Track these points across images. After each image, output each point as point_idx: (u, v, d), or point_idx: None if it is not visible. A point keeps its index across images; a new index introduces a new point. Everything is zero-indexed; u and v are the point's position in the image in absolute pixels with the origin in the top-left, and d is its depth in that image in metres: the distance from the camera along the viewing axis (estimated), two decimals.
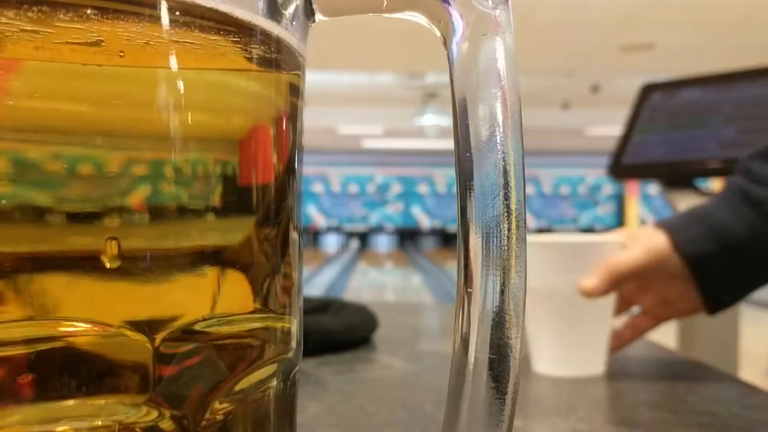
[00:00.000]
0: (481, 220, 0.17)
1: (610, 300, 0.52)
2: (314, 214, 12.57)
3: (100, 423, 0.15)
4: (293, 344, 0.20)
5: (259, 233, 0.18)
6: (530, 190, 12.79)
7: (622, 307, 0.56)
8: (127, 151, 0.15)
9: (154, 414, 0.15)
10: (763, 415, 0.41)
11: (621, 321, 0.57)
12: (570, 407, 0.42)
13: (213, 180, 0.17)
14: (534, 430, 0.38)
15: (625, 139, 1.67)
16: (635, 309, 0.58)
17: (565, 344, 0.51)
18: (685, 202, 1.56)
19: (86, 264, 0.14)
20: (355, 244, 12.41)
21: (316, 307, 0.61)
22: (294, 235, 0.20)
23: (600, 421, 0.39)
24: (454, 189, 0.18)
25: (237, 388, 0.17)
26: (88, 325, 0.14)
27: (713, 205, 0.55)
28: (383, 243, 12.71)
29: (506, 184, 0.17)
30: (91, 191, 0.14)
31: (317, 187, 12.69)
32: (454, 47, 0.18)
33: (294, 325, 0.20)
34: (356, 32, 4.85)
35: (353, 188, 12.93)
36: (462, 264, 0.18)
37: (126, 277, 0.15)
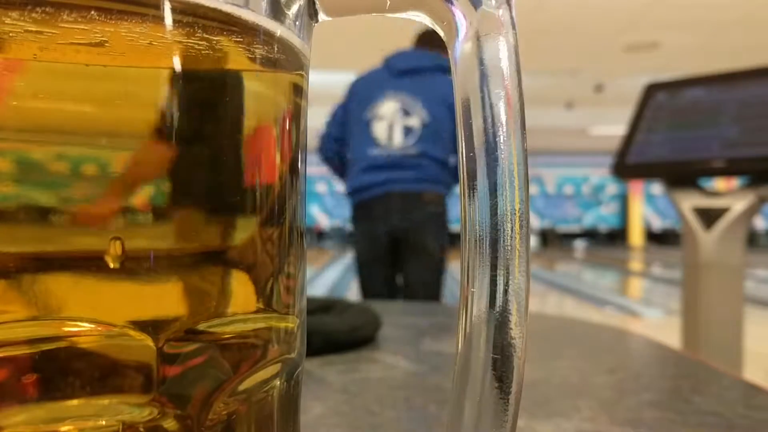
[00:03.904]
0: (484, 220, 0.17)
1: None
2: (318, 214, 12.57)
3: (104, 423, 0.15)
4: (297, 344, 0.20)
5: (263, 233, 0.18)
6: (534, 189, 12.78)
7: None
8: (131, 151, 0.15)
9: (158, 414, 0.15)
10: (767, 415, 0.41)
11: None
12: (574, 407, 0.42)
13: (217, 180, 0.17)
14: (538, 430, 0.37)
15: (629, 139, 1.67)
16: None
17: None
18: (689, 201, 1.56)
19: (90, 264, 0.14)
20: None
21: (320, 307, 0.61)
22: (297, 235, 0.20)
23: (604, 421, 0.39)
24: (458, 189, 0.18)
25: (241, 388, 0.17)
26: (92, 325, 0.14)
27: None
28: None
29: (510, 184, 0.17)
30: (95, 191, 0.14)
31: (321, 187, 12.70)
32: (457, 47, 0.18)
33: (297, 325, 0.20)
34: (360, 32, 4.85)
35: None
36: (465, 264, 0.18)
37: (130, 277, 0.15)
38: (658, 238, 13.06)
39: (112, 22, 0.14)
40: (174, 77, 0.16)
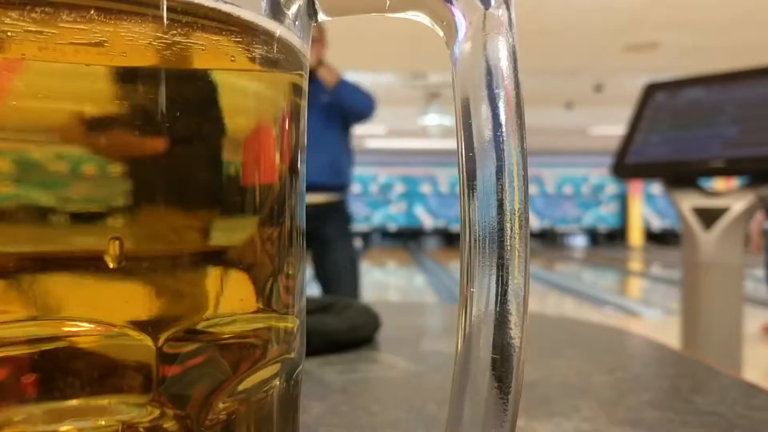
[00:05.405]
0: (483, 220, 0.17)
1: None
2: None
3: (103, 423, 0.15)
4: (296, 344, 0.20)
5: (262, 233, 0.18)
6: (533, 189, 12.80)
7: None
8: (131, 151, 0.15)
9: (158, 414, 0.15)
10: (767, 414, 0.41)
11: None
12: (573, 407, 0.42)
13: (216, 180, 0.17)
14: (538, 430, 0.37)
15: (629, 139, 1.67)
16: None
17: None
18: (689, 201, 1.56)
19: (89, 264, 0.14)
20: (357, 243, 12.42)
21: (319, 307, 0.61)
22: (297, 235, 0.20)
23: (603, 421, 0.39)
24: (457, 189, 0.18)
25: (240, 388, 0.17)
26: (92, 325, 0.14)
27: None
28: (386, 242, 12.72)
29: (509, 184, 0.17)
30: (95, 191, 0.14)
31: None
32: (456, 47, 0.18)
33: (297, 324, 0.20)
34: (359, 32, 4.85)
35: (356, 188, 12.94)
36: (465, 264, 0.18)
37: (129, 277, 0.15)
38: (657, 238, 13.07)
39: (112, 22, 0.14)
40: (173, 77, 0.16)
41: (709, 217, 1.52)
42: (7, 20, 0.13)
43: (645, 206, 13.20)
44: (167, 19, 0.15)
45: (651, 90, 1.70)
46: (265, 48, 0.18)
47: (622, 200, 13.29)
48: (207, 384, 0.16)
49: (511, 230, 0.17)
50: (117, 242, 0.15)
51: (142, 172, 0.15)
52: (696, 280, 1.54)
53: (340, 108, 2.35)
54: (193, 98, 0.16)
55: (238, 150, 0.17)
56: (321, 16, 0.21)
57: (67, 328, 0.14)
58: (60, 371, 0.14)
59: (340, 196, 2.42)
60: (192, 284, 0.16)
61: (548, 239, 13.06)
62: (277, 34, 0.18)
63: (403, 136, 10.83)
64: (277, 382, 0.19)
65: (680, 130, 1.59)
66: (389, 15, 0.19)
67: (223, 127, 0.17)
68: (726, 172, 1.53)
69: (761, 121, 1.46)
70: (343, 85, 2.35)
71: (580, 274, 8.24)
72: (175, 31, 0.15)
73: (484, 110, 0.17)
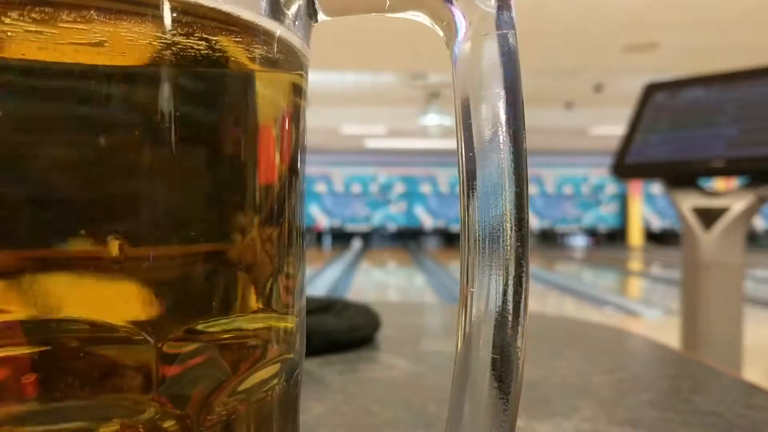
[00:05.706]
0: (483, 220, 0.17)
1: None
2: (317, 214, 12.59)
3: (103, 423, 0.15)
4: (296, 344, 0.20)
5: (262, 233, 0.18)
6: (533, 189, 12.80)
7: None
8: (131, 151, 0.15)
9: (158, 414, 0.15)
10: (767, 414, 0.41)
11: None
12: (573, 407, 0.42)
13: (216, 180, 0.17)
14: (538, 430, 0.37)
15: (629, 139, 1.67)
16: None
17: None
18: (689, 201, 1.56)
19: (90, 264, 0.14)
20: (357, 243, 12.44)
21: (319, 307, 0.61)
22: (297, 235, 0.20)
23: (603, 421, 0.39)
24: (457, 189, 0.18)
25: (240, 388, 0.17)
26: (92, 325, 0.14)
27: None
28: (386, 243, 12.73)
29: (509, 184, 0.17)
30: (95, 191, 0.14)
31: (320, 187, 12.71)
32: (456, 47, 0.18)
33: (297, 325, 0.20)
34: (359, 32, 4.85)
35: (356, 188, 12.96)
36: (465, 264, 0.18)
37: (129, 277, 0.15)
38: (657, 238, 13.07)
39: (112, 22, 0.14)
40: (173, 77, 0.16)
41: (709, 217, 1.52)
42: (7, 20, 0.13)
43: (645, 206, 13.19)
44: (167, 20, 0.15)
45: (651, 90, 1.70)
46: (265, 48, 0.18)
47: (622, 200, 13.29)
48: (207, 384, 0.16)
49: (511, 230, 0.17)
50: (117, 242, 0.15)
51: (142, 172, 0.15)
52: (696, 280, 1.54)
53: None
54: (193, 98, 0.16)
55: (238, 150, 0.17)
56: (321, 16, 0.21)
57: (68, 328, 0.14)
58: (60, 371, 0.14)
59: None
60: (192, 284, 0.16)
61: (548, 239, 13.06)
62: (277, 34, 0.18)
63: (403, 136, 10.82)
64: (277, 382, 0.19)
65: (680, 130, 1.59)
66: (389, 15, 0.19)
67: (223, 127, 0.17)
68: (726, 172, 1.53)
69: (761, 121, 1.46)
70: None
71: (580, 274, 8.24)
72: (175, 31, 0.15)
73: (484, 110, 0.17)
